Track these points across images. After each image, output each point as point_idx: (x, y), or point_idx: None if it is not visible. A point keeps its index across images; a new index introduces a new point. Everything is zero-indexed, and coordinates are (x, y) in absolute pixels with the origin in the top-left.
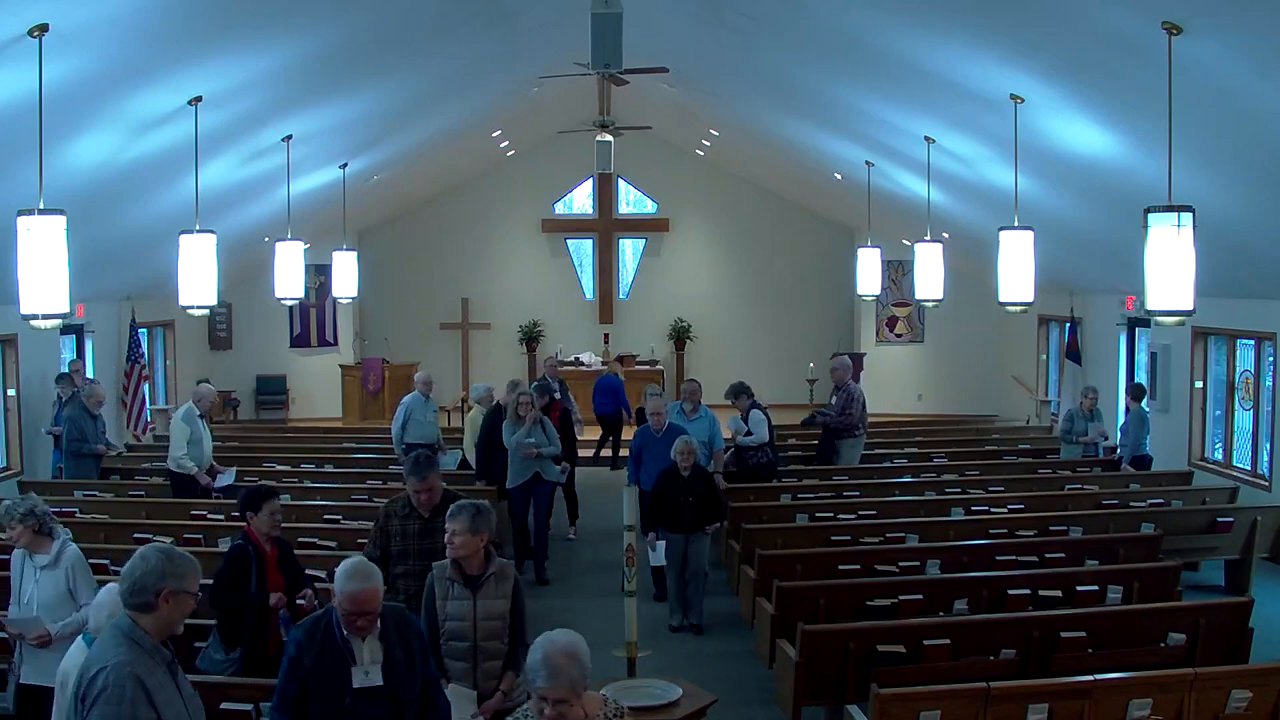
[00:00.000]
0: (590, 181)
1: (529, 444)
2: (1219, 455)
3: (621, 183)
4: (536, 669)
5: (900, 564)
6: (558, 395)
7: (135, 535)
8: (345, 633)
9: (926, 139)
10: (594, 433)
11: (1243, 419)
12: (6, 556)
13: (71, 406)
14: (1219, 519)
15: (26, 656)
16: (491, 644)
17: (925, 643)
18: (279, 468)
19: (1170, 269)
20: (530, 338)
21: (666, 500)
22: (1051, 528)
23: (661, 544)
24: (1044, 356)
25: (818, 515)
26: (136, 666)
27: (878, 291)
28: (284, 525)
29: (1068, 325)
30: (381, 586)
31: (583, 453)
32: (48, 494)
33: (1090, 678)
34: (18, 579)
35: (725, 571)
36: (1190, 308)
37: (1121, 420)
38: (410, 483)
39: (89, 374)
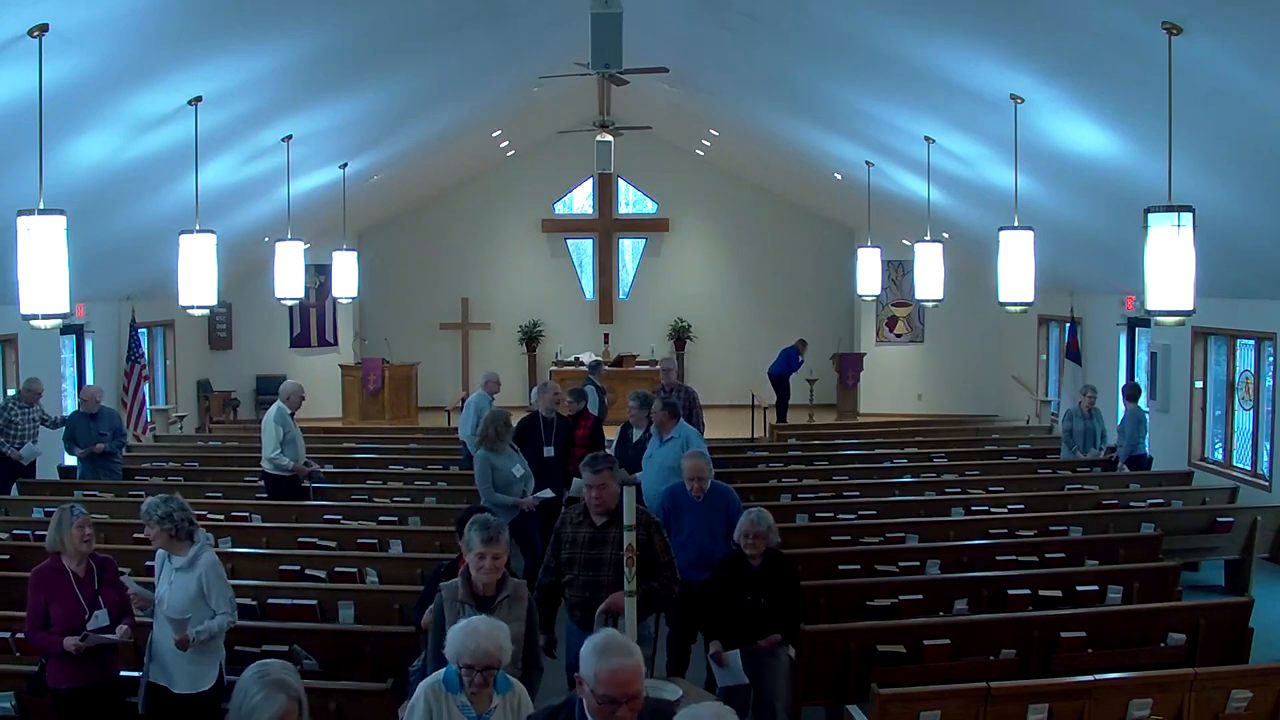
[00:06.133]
0: (590, 181)
1: (536, 497)
2: (1219, 455)
3: (621, 183)
4: None
5: (900, 564)
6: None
7: (135, 535)
8: None
9: (926, 139)
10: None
11: (1242, 419)
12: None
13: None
14: (1219, 519)
15: (154, 656)
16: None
17: (925, 643)
18: None
19: (1170, 269)
20: (530, 338)
21: (728, 600)
22: (1051, 528)
23: (734, 654)
24: (1044, 356)
25: (818, 515)
26: None
27: (878, 291)
28: (284, 526)
29: (1068, 325)
30: (644, 663)
31: None
32: (47, 493)
33: (1090, 678)
34: (159, 578)
35: None
36: (1190, 308)
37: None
38: (586, 476)
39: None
